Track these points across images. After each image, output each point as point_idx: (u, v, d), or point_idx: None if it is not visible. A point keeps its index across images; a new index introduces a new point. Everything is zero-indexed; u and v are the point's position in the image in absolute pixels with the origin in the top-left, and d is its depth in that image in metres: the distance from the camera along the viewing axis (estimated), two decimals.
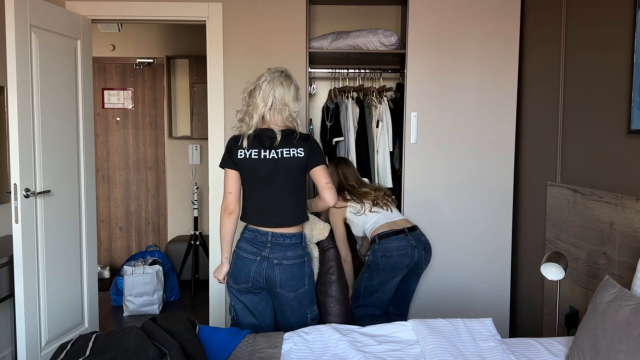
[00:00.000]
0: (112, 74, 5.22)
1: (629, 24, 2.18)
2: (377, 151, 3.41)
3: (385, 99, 3.45)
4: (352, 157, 3.41)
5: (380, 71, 3.59)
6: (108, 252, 5.31)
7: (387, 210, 2.90)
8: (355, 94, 3.52)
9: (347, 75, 3.62)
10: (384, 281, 2.76)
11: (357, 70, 3.59)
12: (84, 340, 1.89)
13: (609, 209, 2.24)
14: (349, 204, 2.89)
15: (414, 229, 2.85)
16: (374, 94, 3.48)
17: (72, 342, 1.91)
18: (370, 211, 2.86)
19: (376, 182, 3.41)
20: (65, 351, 1.83)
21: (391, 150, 3.41)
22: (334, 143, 3.51)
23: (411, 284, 2.95)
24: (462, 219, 3.21)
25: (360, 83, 3.60)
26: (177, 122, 5.19)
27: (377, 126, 3.40)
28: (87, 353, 1.77)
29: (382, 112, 3.40)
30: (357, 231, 2.94)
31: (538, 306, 2.99)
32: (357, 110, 3.44)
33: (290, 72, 2.32)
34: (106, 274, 5.06)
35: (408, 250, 2.74)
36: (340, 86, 3.62)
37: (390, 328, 2.13)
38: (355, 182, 2.97)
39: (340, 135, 3.46)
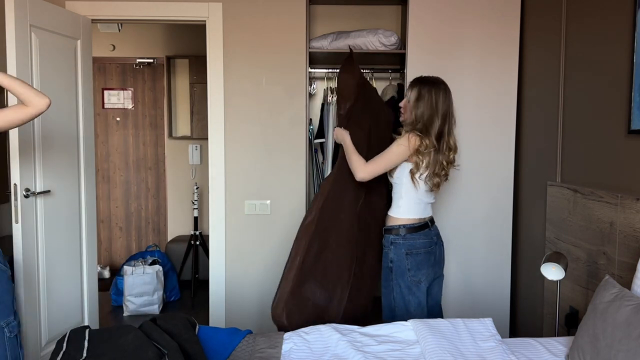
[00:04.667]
0: (112, 74, 5.22)
1: (629, 24, 2.18)
2: None
3: None
4: (329, 160, 3.38)
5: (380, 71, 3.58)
6: (108, 252, 5.31)
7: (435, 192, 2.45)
8: None
9: None
10: (410, 288, 2.39)
11: None
12: (79, 336, 1.85)
13: (609, 209, 2.24)
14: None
15: (432, 220, 2.52)
16: None
17: (66, 339, 1.87)
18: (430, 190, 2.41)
19: None
20: (62, 352, 1.81)
21: None
22: (314, 146, 3.47)
23: (436, 293, 2.54)
24: (461, 219, 3.21)
25: None
26: (177, 122, 5.19)
27: None
28: (85, 355, 1.75)
29: None
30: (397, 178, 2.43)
31: (538, 306, 2.99)
32: None
33: None
34: (106, 274, 5.06)
35: (432, 247, 2.43)
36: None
37: (390, 328, 2.13)
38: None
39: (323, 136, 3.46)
